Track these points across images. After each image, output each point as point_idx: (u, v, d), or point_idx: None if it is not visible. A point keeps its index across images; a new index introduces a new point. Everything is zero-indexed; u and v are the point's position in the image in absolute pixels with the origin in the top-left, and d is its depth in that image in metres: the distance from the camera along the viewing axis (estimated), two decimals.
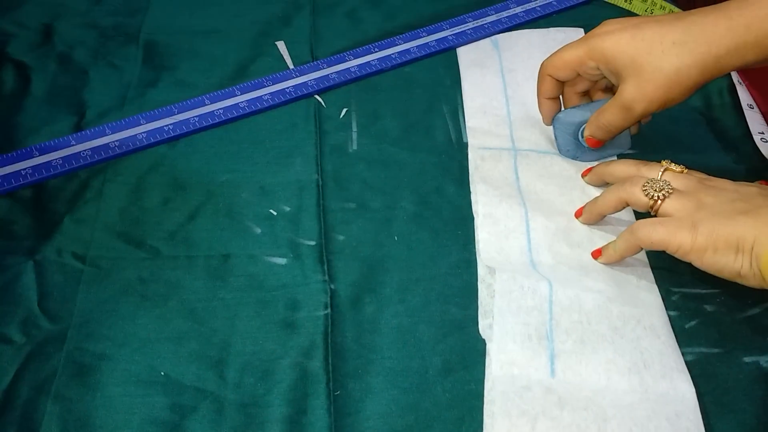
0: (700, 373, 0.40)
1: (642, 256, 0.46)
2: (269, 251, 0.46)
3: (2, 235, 0.47)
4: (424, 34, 0.61)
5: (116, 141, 0.52)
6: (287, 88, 0.56)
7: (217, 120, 0.54)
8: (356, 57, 0.59)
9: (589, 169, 0.50)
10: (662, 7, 0.63)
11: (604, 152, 0.51)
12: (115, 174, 0.50)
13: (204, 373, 0.41)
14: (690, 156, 0.52)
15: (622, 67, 0.44)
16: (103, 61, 0.59)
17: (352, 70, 0.58)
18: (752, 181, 0.43)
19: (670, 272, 0.45)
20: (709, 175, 0.44)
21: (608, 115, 0.47)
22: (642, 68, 0.44)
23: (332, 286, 0.44)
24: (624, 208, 0.45)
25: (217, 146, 0.53)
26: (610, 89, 0.50)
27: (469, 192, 0.50)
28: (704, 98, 0.57)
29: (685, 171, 0.44)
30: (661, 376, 0.39)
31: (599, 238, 0.47)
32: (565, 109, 0.51)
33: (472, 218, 0.48)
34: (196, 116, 0.54)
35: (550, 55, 0.48)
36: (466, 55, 0.60)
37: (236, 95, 0.56)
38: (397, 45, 0.60)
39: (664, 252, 0.46)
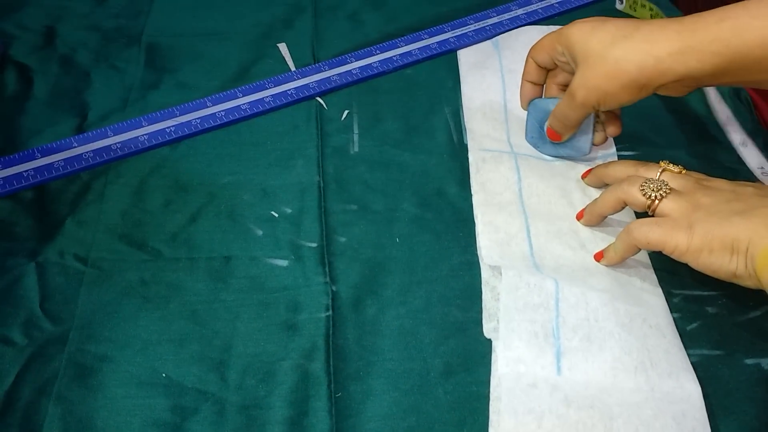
0: (701, 375, 0.40)
1: (644, 258, 0.46)
2: (271, 253, 0.46)
3: (4, 237, 0.47)
4: (425, 36, 0.61)
5: (118, 143, 0.52)
6: (289, 90, 0.56)
7: (219, 122, 0.54)
8: (358, 59, 0.59)
9: (589, 171, 0.50)
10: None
11: (562, 151, 0.51)
12: (116, 176, 0.50)
13: (205, 375, 0.41)
14: (690, 159, 0.52)
15: (576, 54, 0.45)
16: (105, 63, 0.59)
17: (354, 72, 0.58)
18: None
19: (672, 274, 0.45)
20: (709, 176, 0.44)
21: (560, 104, 0.47)
22: (589, 56, 0.44)
23: (334, 288, 0.44)
24: (623, 208, 0.45)
25: (218, 148, 0.53)
26: None
27: (471, 194, 0.49)
28: (706, 105, 0.56)
29: (684, 171, 0.44)
30: (668, 375, 0.39)
31: (601, 240, 0.47)
32: (545, 97, 0.51)
33: (474, 220, 0.48)
34: (197, 118, 0.54)
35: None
36: (465, 56, 0.60)
37: (238, 97, 0.56)
38: (398, 47, 0.60)
39: (664, 254, 0.46)
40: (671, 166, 0.44)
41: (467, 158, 0.52)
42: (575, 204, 0.49)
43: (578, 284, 0.43)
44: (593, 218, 0.47)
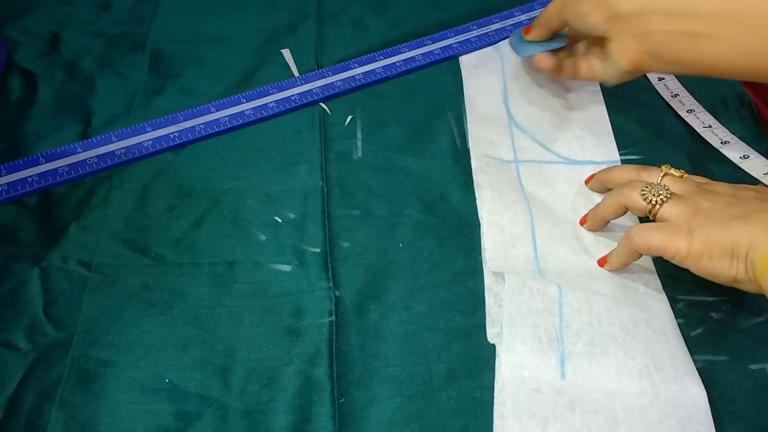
0: (706, 380, 0.40)
1: (648, 263, 0.46)
2: (274, 258, 0.46)
3: (8, 242, 0.47)
4: (428, 42, 0.61)
5: (122, 148, 0.52)
6: (292, 95, 0.56)
7: (223, 127, 0.54)
8: (361, 65, 0.59)
9: (592, 176, 0.50)
10: None
11: (541, 46, 0.54)
12: (120, 181, 0.51)
13: (208, 381, 0.41)
14: (694, 163, 0.52)
15: None
16: (109, 69, 0.59)
17: (357, 77, 0.58)
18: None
19: (676, 280, 0.45)
20: (712, 179, 0.44)
21: (546, 8, 0.51)
22: None
23: (337, 293, 0.44)
24: (624, 212, 0.45)
25: (222, 153, 0.53)
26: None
27: (475, 199, 0.49)
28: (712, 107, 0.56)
29: (685, 175, 0.44)
30: (673, 379, 0.39)
31: (605, 245, 0.47)
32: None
33: (478, 225, 0.48)
34: (201, 124, 0.54)
35: None
36: (468, 62, 0.60)
37: (241, 103, 0.56)
38: (401, 53, 0.60)
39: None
40: (672, 170, 0.44)
41: (470, 163, 0.52)
42: (578, 209, 0.49)
43: (582, 289, 0.43)
44: (596, 223, 0.47)
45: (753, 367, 0.41)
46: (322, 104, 0.56)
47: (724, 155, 0.52)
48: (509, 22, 0.63)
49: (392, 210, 0.49)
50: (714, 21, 0.42)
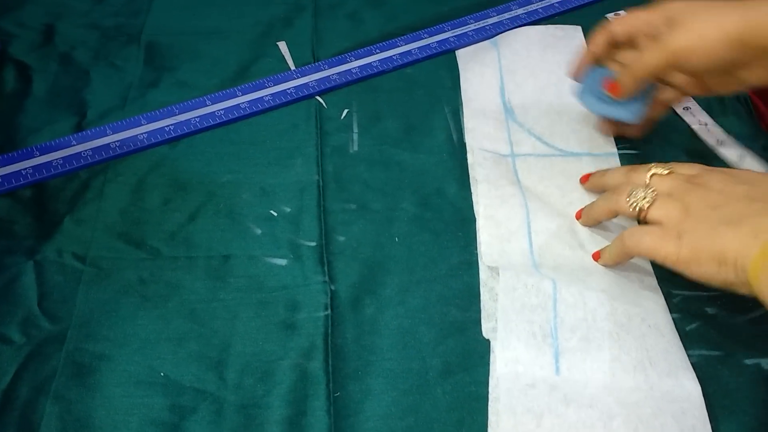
0: (701, 375, 0.40)
1: (644, 259, 0.46)
2: (269, 252, 0.46)
3: (2, 235, 0.47)
4: (425, 35, 0.61)
5: (117, 141, 0.52)
6: (288, 89, 0.56)
7: (218, 121, 0.54)
8: (357, 58, 0.59)
9: (587, 177, 0.50)
10: None
11: (614, 111, 0.49)
12: (115, 174, 0.50)
13: (204, 374, 0.41)
14: (691, 157, 0.52)
15: (675, 17, 0.44)
16: (104, 61, 0.59)
17: (354, 71, 0.58)
18: None
19: (672, 275, 0.45)
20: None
21: (644, 54, 0.45)
22: (687, 17, 0.43)
23: (332, 287, 0.44)
24: (616, 216, 0.45)
25: (217, 147, 0.53)
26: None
27: (470, 193, 0.49)
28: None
29: (672, 172, 0.43)
30: (667, 374, 0.39)
31: (601, 239, 0.47)
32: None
33: (473, 220, 0.48)
34: (197, 117, 0.54)
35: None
36: (465, 56, 0.59)
37: (237, 96, 0.56)
38: (398, 46, 0.60)
39: None
40: (659, 169, 0.43)
41: (467, 158, 0.52)
42: (575, 203, 0.49)
43: (576, 284, 0.43)
44: (589, 221, 0.47)
45: (748, 362, 0.41)
46: (318, 98, 0.56)
47: (721, 150, 0.52)
48: (506, 15, 0.63)
49: (388, 204, 0.49)
50: None
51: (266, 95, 0.56)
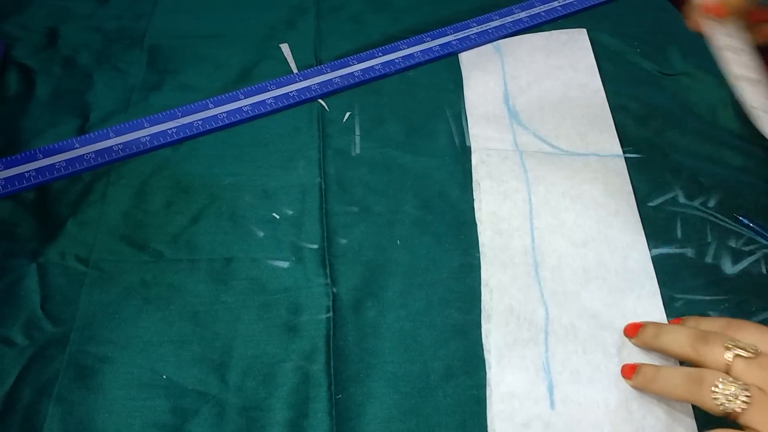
0: None
1: (647, 262, 0.46)
2: (272, 255, 0.46)
3: (5, 238, 0.47)
4: (428, 38, 0.61)
5: (120, 144, 0.52)
6: (291, 92, 0.56)
7: (221, 123, 0.54)
8: (360, 61, 0.59)
9: (634, 328, 0.42)
10: None
11: None
12: (118, 177, 0.51)
13: (206, 377, 0.41)
14: (696, 161, 0.52)
15: None
16: (107, 64, 0.59)
17: (356, 74, 0.58)
18: None
19: (674, 278, 0.45)
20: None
21: None
22: None
23: (334, 290, 0.44)
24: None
25: (220, 150, 0.53)
26: None
27: (472, 198, 0.49)
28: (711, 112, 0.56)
29: (760, 353, 0.35)
30: (658, 401, 0.40)
31: (605, 239, 0.46)
32: None
33: (475, 223, 0.48)
34: (199, 120, 0.54)
35: None
36: (468, 60, 0.60)
37: (240, 99, 0.56)
38: (401, 49, 0.60)
39: (668, 257, 0.46)
40: (740, 350, 0.35)
41: (469, 161, 0.52)
42: (583, 195, 0.49)
43: (569, 309, 0.43)
44: (652, 390, 0.39)
45: None
46: (320, 101, 0.56)
47: (729, 151, 0.52)
48: (509, 19, 0.63)
49: (390, 207, 0.49)
50: None
51: (268, 98, 0.56)
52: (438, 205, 0.49)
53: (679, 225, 0.48)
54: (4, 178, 0.49)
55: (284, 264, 0.46)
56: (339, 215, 0.48)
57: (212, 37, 0.62)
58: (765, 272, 0.45)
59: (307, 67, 0.58)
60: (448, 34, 0.61)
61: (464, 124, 0.54)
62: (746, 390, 0.34)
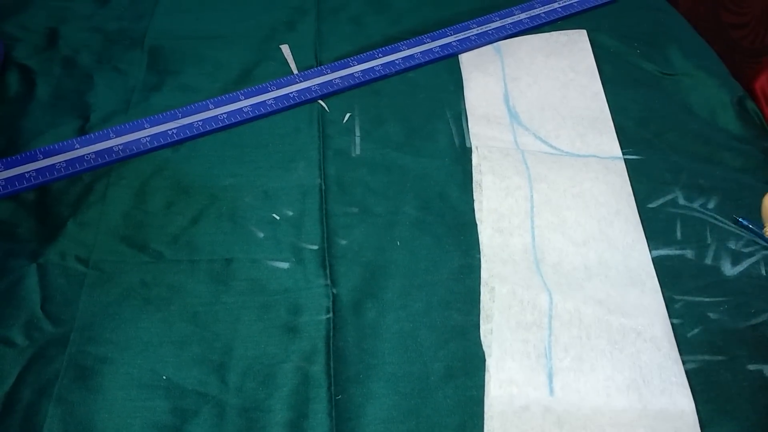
0: (702, 380, 0.40)
1: (647, 263, 0.46)
2: (272, 255, 0.46)
3: (6, 238, 0.47)
4: (428, 40, 0.61)
5: (120, 145, 0.52)
6: (291, 93, 0.56)
7: (221, 124, 0.54)
8: (360, 62, 0.59)
9: None
10: None
11: None
12: (118, 177, 0.51)
13: (206, 377, 0.41)
14: (694, 162, 0.52)
15: None
16: (107, 65, 0.59)
17: (356, 75, 0.58)
18: None
19: (674, 279, 0.45)
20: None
21: None
22: None
23: (334, 291, 0.44)
24: None
25: (220, 150, 0.53)
26: None
27: (472, 199, 0.49)
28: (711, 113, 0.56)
29: None
30: (660, 392, 0.39)
31: (605, 238, 0.46)
32: None
33: (475, 224, 0.48)
34: (200, 120, 0.54)
35: None
36: (468, 61, 0.60)
37: (240, 100, 0.56)
38: (401, 51, 0.60)
39: (668, 258, 0.46)
40: None
41: (469, 161, 0.52)
42: (584, 194, 0.49)
43: (573, 295, 0.43)
44: None
45: (750, 367, 0.41)
46: (320, 102, 0.56)
47: (727, 153, 0.52)
48: (509, 20, 0.63)
49: (390, 208, 0.49)
50: None
51: (269, 99, 0.56)
52: (438, 206, 0.49)
53: (678, 226, 0.48)
54: (4, 179, 0.49)
55: (284, 265, 0.46)
56: (339, 216, 0.48)
57: (213, 38, 0.62)
58: (764, 274, 0.45)
59: (307, 68, 0.59)
60: (448, 36, 0.61)
61: (464, 125, 0.55)
62: None
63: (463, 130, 0.54)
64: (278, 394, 0.40)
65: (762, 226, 0.47)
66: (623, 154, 0.52)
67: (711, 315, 0.43)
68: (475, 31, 0.61)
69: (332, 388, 0.40)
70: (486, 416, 0.39)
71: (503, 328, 0.42)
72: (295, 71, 0.59)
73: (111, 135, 0.53)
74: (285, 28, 0.63)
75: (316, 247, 0.46)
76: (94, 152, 0.51)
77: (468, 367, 0.41)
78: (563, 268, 0.45)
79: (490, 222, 0.47)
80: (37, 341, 0.42)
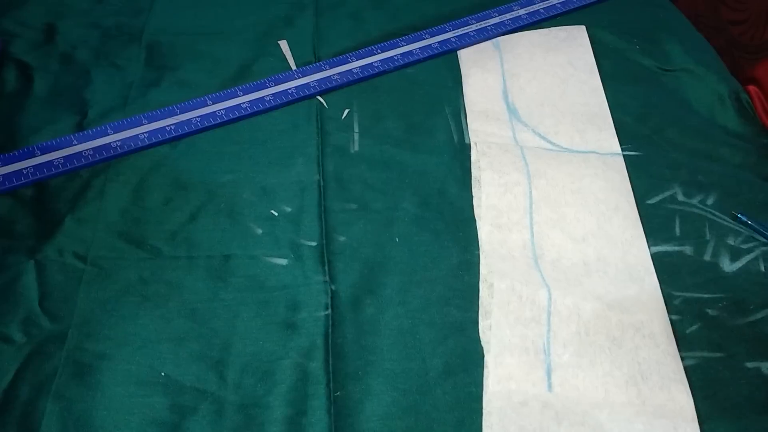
0: (701, 377, 0.40)
1: (647, 259, 0.46)
2: (270, 252, 0.46)
3: (3, 235, 0.47)
4: (427, 35, 0.61)
5: (118, 141, 0.52)
6: (289, 89, 0.56)
7: (219, 120, 0.54)
8: (359, 58, 0.59)
9: None
10: None
11: None
12: (116, 174, 0.50)
13: (204, 374, 0.41)
14: (693, 158, 0.52)
15: None
16: (105, 61, 0.59)
17: (355, 71, 0.58)
18: None
19: (673, 276, 0.45)
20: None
21: None
22: None
23: (333, 287, 0.44)
24: None
25: (218, 146, 0.53)
26: None
27: (471, 195, 0.49)
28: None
29: None
30: (659, 388, 0.39)
31: (604, 234, 0.46)
32: None
33: (474, 220, 0.48)
34: (198, 116, 0.54)
35: None
36: (467, 57, 0.59)
37: (238, 96, 0.55)
38: (399, 46, 0.60)
39: (667, 255, 0.46)
40: None
41: (468, 158, 0.52)
42: (583, 190, 0.49)
43: (572, 291, 0.43)
44: None
45: (749, 364, 0.41)
46: (319, 98, 0.56)
47: (726, 149, 0.52)
48: (508, 16, 0.62)
49: (389, 204, 0.49)
50: None
51: (267, 95, 0.56)
52: (437, 202, 0.49)
53: (677, 223, 0.48)
54: (1, 175, 0.49)
55: (283, 261, 0.46)
56: (338, 212, 0.48)
57: (211, 33, 0.61)
58: (763, 270, 0.45)
59: (305, 64, 0.58)
60: (447, 31, 0.61)
61: (463, 121, 0.54)
62: None
63: (461, 126, 0.54)
64: (277, 391, 0.40)
65: (761, 223, 0.47)
66: (622, 150, 0.52)
67: (709, 311, 0.43)
68: (474, 27, 0.61)
69: (331, 384, 0.40)
70: (484, 412, 0.39)
71: (502, 324, 0.42)
72: (294, 67, 0.59)
73: (109, 131, 0.52)
74: (283, 23, 0.62)
75: (314, 244, 0.46)
76: (91, 148, 0.51)
77: (467, 363, 0.41)
78: (562, 264, 0.45)
79: (489, 218, 0.47)
80: (35, 338, 0.42)
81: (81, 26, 0.62)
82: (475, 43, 0.60)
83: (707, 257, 0.46)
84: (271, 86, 0.56)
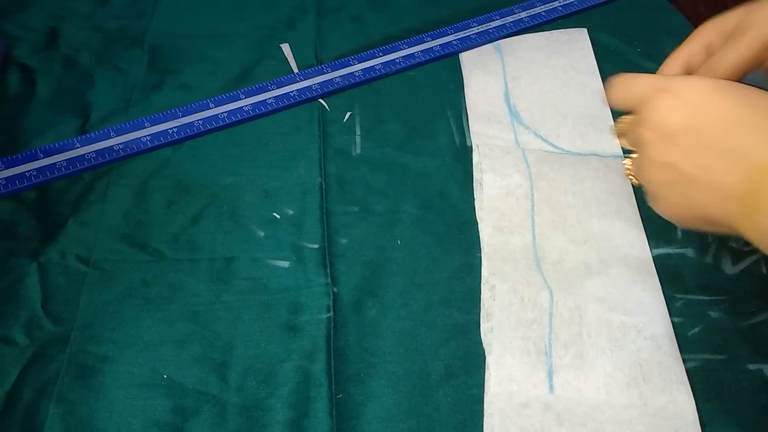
0: (703, 380, 0.40)
1: (648, 261, 0.46)
2: (272, 254, 0.46)
3: (6, 237, 0.47)
4: (428, 38, 0.61)
5: (120, 144, 0.52)
6: (291, 92, 0.56)
7: (221, 123, 0.54)
8: (361, 61, 0.59)
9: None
10: None
11: None
12: (119, 176, 0.51)
13: (206, 376, 0.41)
14: None
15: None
16: (108, 64, 0.59)
17: (357, 74, 0.58)
18: None
19: (674, 278, 0.45)
20: None
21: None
22: None
23: (335, 290, 0.44)
24: None
25: (221, 149, 0.53)
26: None
27: (473, 198, 0.49)
28: None
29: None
30: (661, 390, 0.39)
31: (606, 237, 0.47)
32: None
33: (476, 222, 0.48)
34: (200, 119, 0.54)
35: None
36: (468, 60, 0.60)
37: (240, 99, 0.56)
38: (401, 49, 0.60)
39: (669, 257, 0.46)
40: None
41: (470, 160, 0.52)
42: (585, 192, 0.49)
43: (574, 293, 0.43)
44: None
45: (751, 367, 0.41)
46: (321, 100, 0.56)
47: None
48: (509, 19, 0.63)
49: (390, 207, 0.49)
50: None
51: (269, 98, 0.56)
52: (438, 204, 0.49)
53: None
54: (4, 178, 0.49)
55: (285, 264, 0.46)
56: (339, 215, 0.48)
57: (213, 36, 0.62)
58: (765, 272, 0.45)
59: (307, 67, 0.59)
60: (448, 34, 0.61)
61: (465, 124, 0.55)
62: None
63: (463, 128, 0.54)
64: (279, 393, 0.40)
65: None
66: (624, 151, 0.52)
67: (711, 314, 0.43)
68: (475, 30, 0.61)
69: (333, 386, 0.40)
70: (486, 414, 0.39)
71: (503, 326, 0.42)
72: (296, 70, 0.59)
73: (111, 134, 0.53)
74: (285, 26, 0.63)
75: (316, 246, 0.46)
76: (94, 151, 0.51)
77: (469, 365, 0.41)
78: (564, 266, 0.45)
79: (490, 220, 0.47)
80: (38, 340, 0.42)
81: (83, 30, 0.62)
82: (477, 46, 0.61)
83: (709, 259, 0.46)
84: (273, 89, 0.56)
